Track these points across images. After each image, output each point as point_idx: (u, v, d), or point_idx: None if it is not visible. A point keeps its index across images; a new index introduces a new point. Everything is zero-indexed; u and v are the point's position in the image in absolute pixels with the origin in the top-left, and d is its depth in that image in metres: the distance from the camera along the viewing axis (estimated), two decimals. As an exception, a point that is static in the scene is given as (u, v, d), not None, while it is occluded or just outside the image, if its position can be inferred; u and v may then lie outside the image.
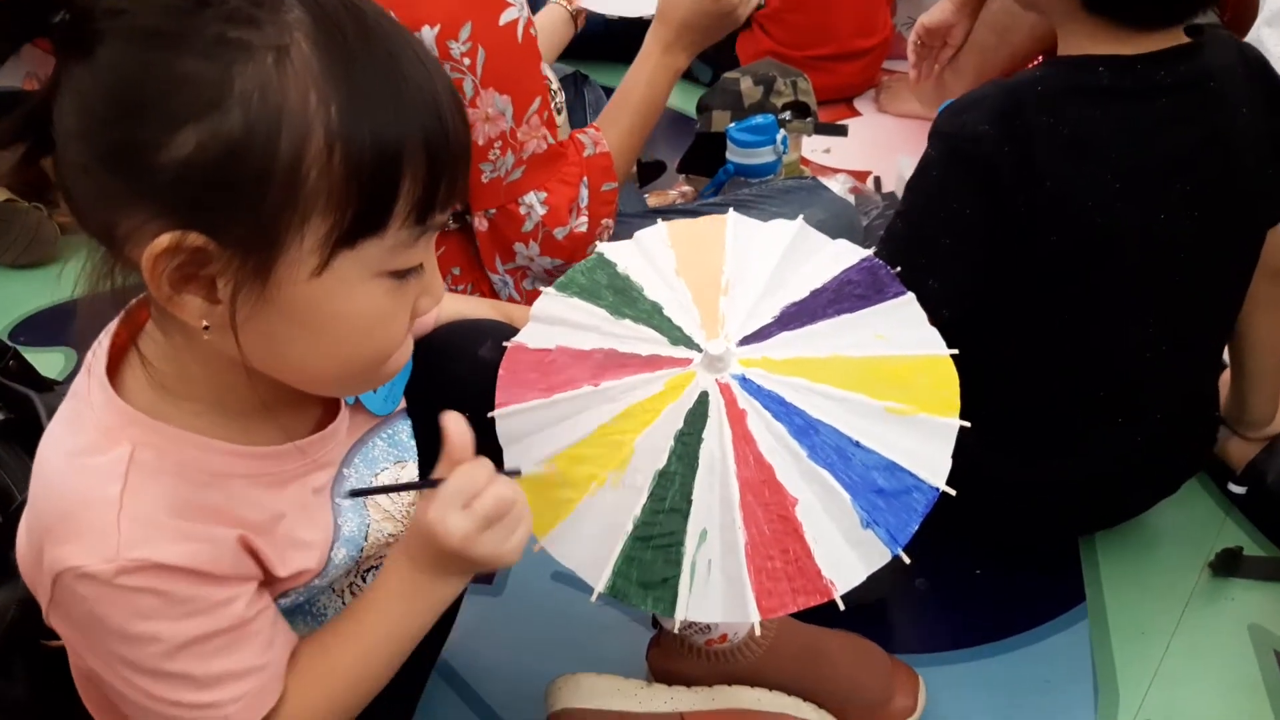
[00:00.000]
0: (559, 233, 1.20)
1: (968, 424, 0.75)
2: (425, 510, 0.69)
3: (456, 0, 1.08)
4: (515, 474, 0.73)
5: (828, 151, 2.01)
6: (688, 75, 2.49)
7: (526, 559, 1.17)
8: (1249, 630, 1.09)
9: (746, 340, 0.80)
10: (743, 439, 0.76)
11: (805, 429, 0.76)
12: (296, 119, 0.55)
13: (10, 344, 1.07)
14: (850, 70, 2.20)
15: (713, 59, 2.25)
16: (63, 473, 0.64)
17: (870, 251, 0.86)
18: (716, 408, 0.77)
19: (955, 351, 0.79)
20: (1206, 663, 1.06)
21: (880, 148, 1.99)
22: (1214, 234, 1.01)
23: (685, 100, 2.17)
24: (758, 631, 0.93)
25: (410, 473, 0.82)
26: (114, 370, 0.67)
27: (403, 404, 0.83)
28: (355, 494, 0.73)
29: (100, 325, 0.68)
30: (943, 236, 1.02)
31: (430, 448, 0.80)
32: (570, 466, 0.77)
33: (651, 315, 0.83)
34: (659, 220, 0.92)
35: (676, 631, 0.75)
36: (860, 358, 0.79)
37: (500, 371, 0.82)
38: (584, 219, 1.21)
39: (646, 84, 1.29)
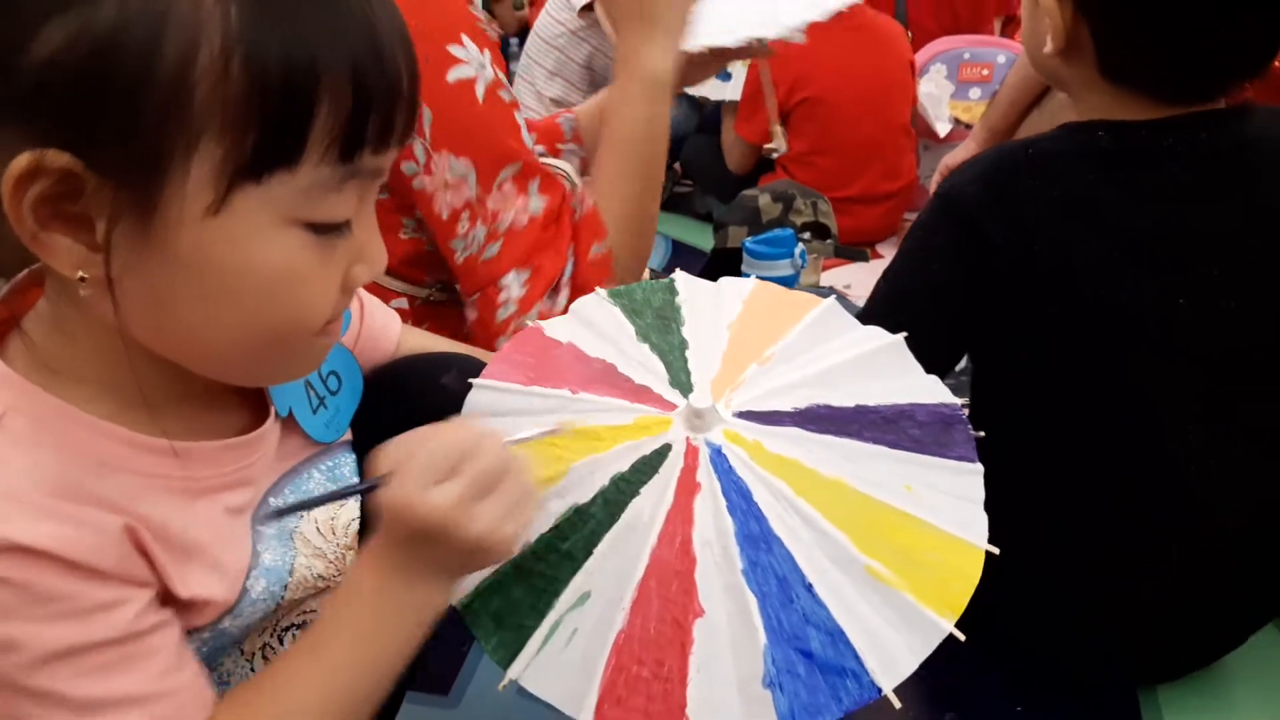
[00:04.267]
0: (527, 319, 1.02)
1: (962, 636, 0.59)
2: (393, 491, 0.56)
3: None
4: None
5: (848, 287, 1.95)
6: (703, 215, 2.49)
7: (489, 669, 1.04)
8: (1345, 792, 0.92)
9: (748, 416, 0.68)
10: (680, 515, 0.64)
11: (757, 539, 0.62)
12: (185, 16, 0.47)
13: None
14: (873, 214, 2.18)
15: (730, 196, 2.24)
16: None
17: (963, 401, 0.70)
18: (671, 467, 0.65)
19: (995, 550, 0.63)
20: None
21: (903, 285, 1.94)
22: (1272, 324, 0.89)
23: (702, 238, 2.14)
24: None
25: (350, 512, 0.71)
26: None
27: (348, 435, 0.73)
28: (279, 514, 0.61)
29: None
30: (920, 297, 0.96)
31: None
32: None
33: (670, 350, 0.73)
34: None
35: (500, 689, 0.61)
36: (870, 497, 0.64)
37: (505, 345, 0.74)
38: (563, 295, 1.05)
39: (620, 102, 1.05)
